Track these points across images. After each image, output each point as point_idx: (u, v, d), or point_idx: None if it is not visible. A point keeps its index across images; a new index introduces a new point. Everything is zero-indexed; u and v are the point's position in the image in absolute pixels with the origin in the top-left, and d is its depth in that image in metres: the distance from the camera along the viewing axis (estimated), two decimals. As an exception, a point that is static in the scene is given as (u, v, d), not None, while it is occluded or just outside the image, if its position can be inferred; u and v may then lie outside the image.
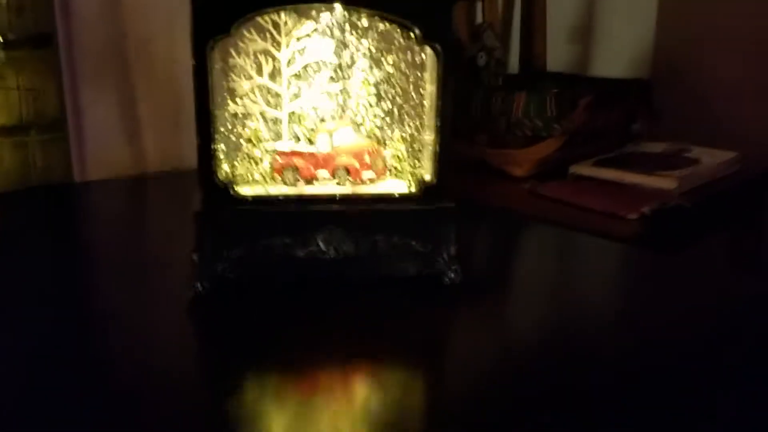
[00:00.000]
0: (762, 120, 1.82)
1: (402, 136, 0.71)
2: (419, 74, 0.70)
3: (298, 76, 0.68)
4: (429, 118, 0.69)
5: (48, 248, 0.83)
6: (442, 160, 0.68)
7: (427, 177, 0.69)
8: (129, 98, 1.11)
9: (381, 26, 0.68)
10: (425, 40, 0.65)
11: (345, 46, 0.69)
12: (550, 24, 1.70)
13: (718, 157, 1.36)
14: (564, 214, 1.13)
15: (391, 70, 0.70)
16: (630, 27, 2.03)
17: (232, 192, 0.66)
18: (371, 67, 0.70)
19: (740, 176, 1.37)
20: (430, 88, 0.69)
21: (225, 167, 0.67)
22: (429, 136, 0.69)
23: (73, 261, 0.80)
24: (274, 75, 0.67)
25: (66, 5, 1.04)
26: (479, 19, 1.62)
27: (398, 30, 0.67)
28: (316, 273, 0.68)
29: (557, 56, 1.79)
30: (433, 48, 0.66)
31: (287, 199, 0.67)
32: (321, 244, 0.67)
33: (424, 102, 0.70)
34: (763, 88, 1.84)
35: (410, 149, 0.71)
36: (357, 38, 0.69)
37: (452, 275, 0.69)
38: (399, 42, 0.69)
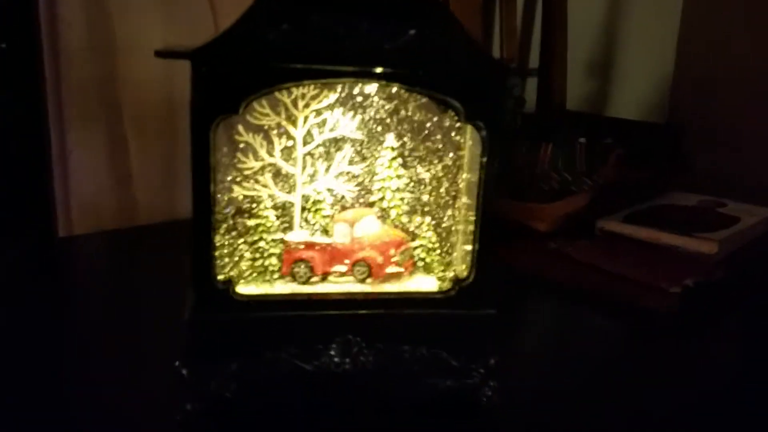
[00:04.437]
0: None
1: (433, 225, 0.61)
2: (456, 154, 0.59)
3: (314, 154, 0.57)
4: (467, 205, 0.59)
5: (18, 321, 0.72)
6: (480, 254, 0.58)
7: (463, 274, 0.59)
8: (118, 143, 1.00)
9: (414, 100, 0.58)
10: (468, 118, 0.55)
11: (370, 121, 0.58)
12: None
13: (756, 214, 1.26)
14: (593, 277, 1.03)
15: (423, 148, 0.60)
16: (648, 63, 1.94)
17: (231, 293, 0.55)
18: (400, 146, 0.59)
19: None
20: (468, 172, 0.58)
21: (225, 263, 0.56)
22: (466, 226, 0.59)
23: (46, 336, 0.69)
24: (286, 153, 0.57)
25: (54, 42, 0.94)
26: (497, 55, 1.53)
27: (434, 105, 0.57)
28: (328, 391, 0.57)
29: (572, 92, 1.70)
30: (476, 126, 0.55)
31: (296, 301, 0.57)
32: (335, 356, 0.56)
33: (461, 186, 0.60)
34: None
35: (443, 240, 0.61)
36: (385, 113, 0.58)
37: (490, 393, 0.58)
38: (434, 117, 0.59)
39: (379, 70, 0.51)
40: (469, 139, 0.58)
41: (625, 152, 1.15)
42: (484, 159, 0.56)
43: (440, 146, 0.60)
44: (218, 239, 0.54)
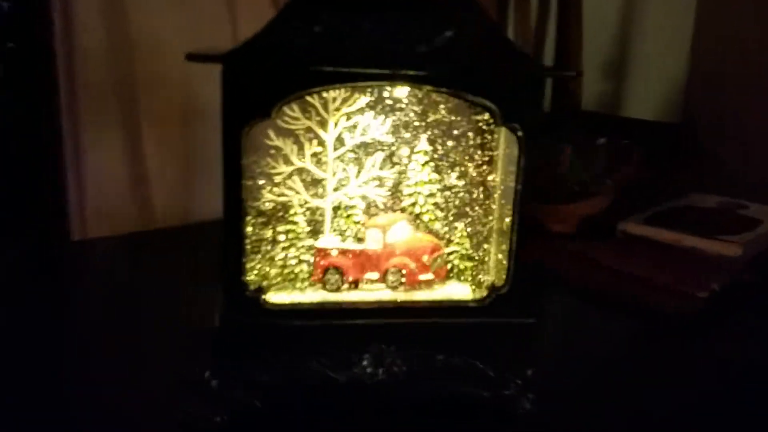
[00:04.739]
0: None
1: (467, 231, 0.59)
2: (490, 158, 0.58)
3: (345, 159, 0.56)
4: (501, 210, 0.57)
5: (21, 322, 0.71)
6: (516, 261, 0.56)
7: (498, 282, 0.57)
8: (135, 142, 0.99)
9: (446, 103, 0.56)
10: (504, 120, 0.53)
11: (402, 124, 0.57)
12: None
13: (778, 216, 1.24)
14: (613, 280, 1.01)
15: (455, 152, 0.58)
16: (663, 62, 1.92)
17: (261, 301, 0.53)
18: (433, 149, 0.58)
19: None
20: (502, 175, 0.57)
21: (255, 270, 0.54)
22: (501, 231, 0.57)
23: (48, 337, 0.68)
24: (317, 158, 0.55)
25: (68, 38, 0.93)
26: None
27: (466, 107, 0.55)
28: (360, 401, 0.55)
29: (586, 91, 1.68)
30: (512, 128, 0.54)
31: (327, 309, 0.55)
32: (367, 366, 0.55)
33: (495, 190, 0.58)
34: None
35: (477, 247, 0.59)
36: (417, 116, 0.57)
37: (527, 405, 0.57)
38: (467, 119, 0.57)
39: (412, 72, 0.50)
40: (503, 142, 0.56)
41: (643, 152, 1.13)
42: (521, 161, 0.54)
43: (473, 149, 0.58)
44: (249, 245, 0.53)
